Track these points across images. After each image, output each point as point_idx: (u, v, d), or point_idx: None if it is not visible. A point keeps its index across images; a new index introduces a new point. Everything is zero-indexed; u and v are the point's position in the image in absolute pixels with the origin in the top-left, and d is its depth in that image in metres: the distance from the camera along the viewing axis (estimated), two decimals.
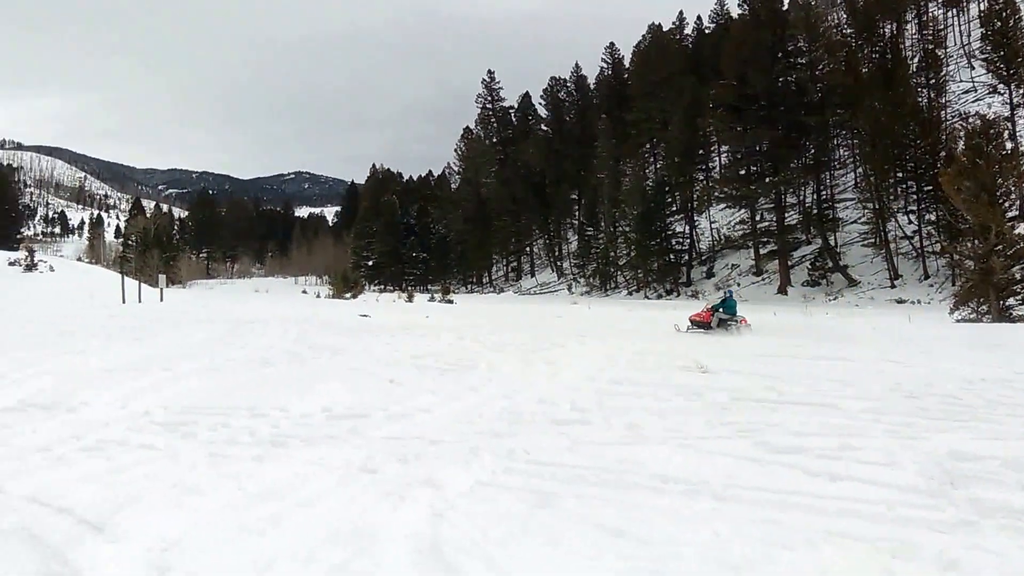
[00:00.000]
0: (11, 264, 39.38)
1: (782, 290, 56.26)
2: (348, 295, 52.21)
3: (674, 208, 73.39)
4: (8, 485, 5.31)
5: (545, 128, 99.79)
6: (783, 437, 6.64)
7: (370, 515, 4.68)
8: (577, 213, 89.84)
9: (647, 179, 78.37)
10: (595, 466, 5.69)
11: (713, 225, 72.43)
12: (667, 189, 71.82)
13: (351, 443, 6.59)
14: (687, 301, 55.14)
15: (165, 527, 4.46)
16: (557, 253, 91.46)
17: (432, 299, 51.66)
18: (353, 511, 4.76)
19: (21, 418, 7.71)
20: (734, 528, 4.41)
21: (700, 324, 20.80)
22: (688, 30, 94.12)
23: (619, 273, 74.88)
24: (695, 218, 73.40)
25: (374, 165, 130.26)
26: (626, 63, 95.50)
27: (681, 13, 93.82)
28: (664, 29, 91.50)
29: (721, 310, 21.44)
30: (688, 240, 70.90)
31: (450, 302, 45.54)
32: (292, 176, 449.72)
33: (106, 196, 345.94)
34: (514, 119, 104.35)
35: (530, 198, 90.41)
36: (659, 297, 64.97)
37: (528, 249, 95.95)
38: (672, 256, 68.96)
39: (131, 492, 5.16)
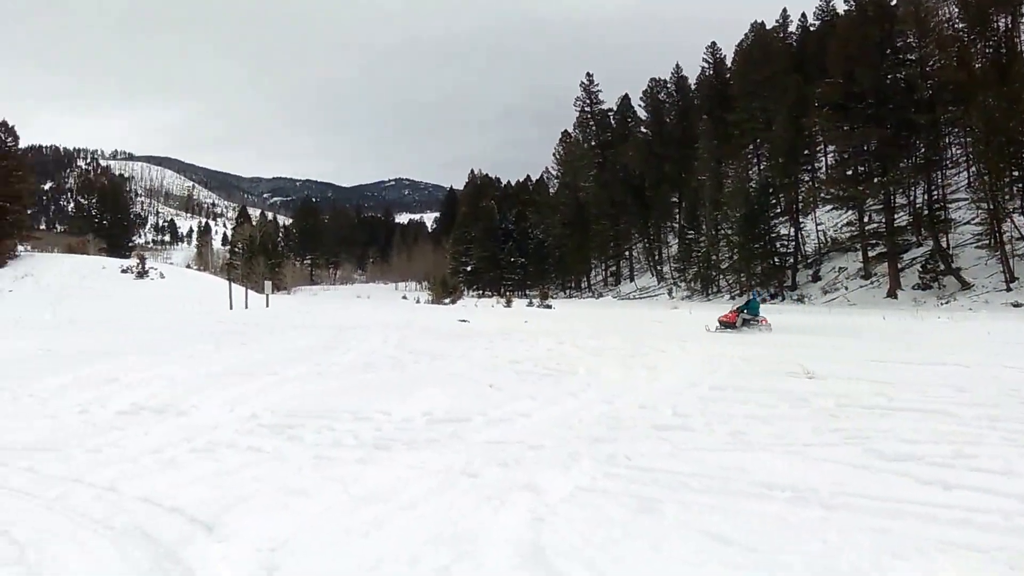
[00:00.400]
0: (124, 271, 40.96)
1: (892, 293, 54.39)
2: (447, 300, 52.75)
3: (778, 210, 71.52)
4: (122, 486, 5.55)
5: (645, 130, 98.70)
6: (894, 444, 6.39)
7: (471, 519, 4.71)
8: (677, 216, 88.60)
9: (750, 180, 76.69)
10: (698, 472, 5.59)
11: (819, 227, 70.43)
12: (771, 191, 70.08)
13: (452, 447, 6.64)
14: (792, 305, 53.83)
15: (273, 528, 4.57)
16: (657, 257, 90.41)
17: (531, 304, 51.68)
18: (454, 515, 4.80)
19: (134, 421, 8.06)
20: (843, 536, 4.28)
21: (727, 324, 22.52)
22: (792, 28, 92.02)
23: (721, 277, 73.52)
24: (800, 220, 71.51)
25: (472, 170, 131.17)
26: (728, 63, 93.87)
27: (785, 11, 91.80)
28: (767, 27, 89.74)
29: (745, 311, 23.30)
30: (793, 243, 69.11)
31: (549, 307, 45.49)
32: (392, 183, 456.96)
33: (213, 204, 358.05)
34: (613, 121, 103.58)
35: (629, 201, 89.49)
36: (763, 301, 63.35)
37: (627, 253, 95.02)
38: (776, 259, 67.31)
39: (240, 493, 5.32)
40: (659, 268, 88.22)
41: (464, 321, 23.58)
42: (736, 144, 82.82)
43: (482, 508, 4.91)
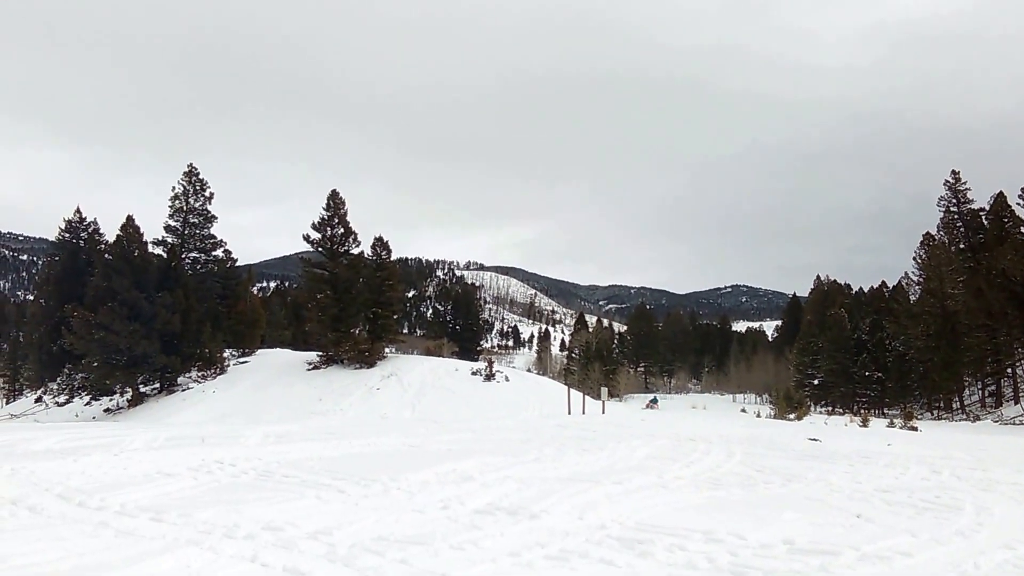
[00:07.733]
0: (473, 373, 43.76)
1: None
2: (791, 416, 50.18)
3: None
4: None
5: None
6: None
7: None
8: None
9: None
10: None
11: None
12: None
13: None
14: None
15: None
16: None
17: (891, 424, 47.61)
18: None
19: (490, 520, 8.26)
20: None
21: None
22: None
23: None
24: None
25: (818, 276, 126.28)
26: None
27: None
28: None
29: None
30: None
31: (914, 429, 41.52)
32: (729, 289, 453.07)
33: (553, 311, 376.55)
34: (985, 222, 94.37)
35: (1010, 311, 79.91)
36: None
37: (1009, 371, 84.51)
38: None
39: None
40: None
41: (815, 440, 22.00)
42: None
43: None
